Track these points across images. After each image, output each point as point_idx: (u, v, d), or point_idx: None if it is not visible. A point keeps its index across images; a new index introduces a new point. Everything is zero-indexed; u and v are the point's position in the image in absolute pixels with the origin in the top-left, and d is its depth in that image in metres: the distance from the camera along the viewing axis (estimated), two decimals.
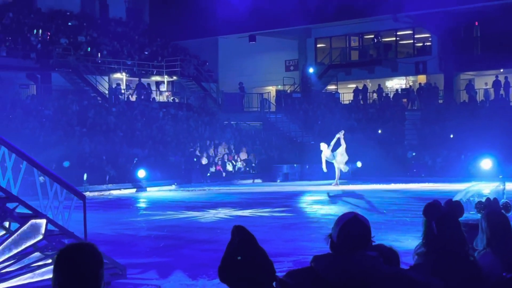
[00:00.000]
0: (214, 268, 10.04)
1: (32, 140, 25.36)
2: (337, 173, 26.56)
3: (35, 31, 35.97)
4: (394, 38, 39.96)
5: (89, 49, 36.95)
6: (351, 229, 3.25)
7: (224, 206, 19.88)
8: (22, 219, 8.51)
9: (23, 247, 8.49)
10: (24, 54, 33.86)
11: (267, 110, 40.15)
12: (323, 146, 26.34)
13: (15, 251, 8.46)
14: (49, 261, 8.52)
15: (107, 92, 35.75)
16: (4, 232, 8.56)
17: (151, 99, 36.91)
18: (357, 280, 3.12)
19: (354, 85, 40.52)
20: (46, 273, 8.49)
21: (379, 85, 39.30)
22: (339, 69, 40.74)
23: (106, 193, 25.27)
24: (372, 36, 40.34)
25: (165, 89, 40.17)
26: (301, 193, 24.27)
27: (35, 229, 8.40)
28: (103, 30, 39.75)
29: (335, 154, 26.17)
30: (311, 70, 40.65)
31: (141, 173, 27.02)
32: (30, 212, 8.70)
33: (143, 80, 38.95)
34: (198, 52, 42.29)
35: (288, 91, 40.83)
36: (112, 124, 31.06)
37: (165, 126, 32.94)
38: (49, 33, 36.59)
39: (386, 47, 39.94)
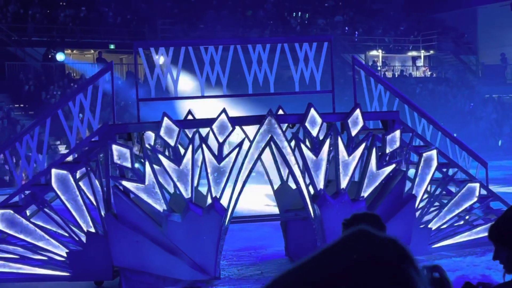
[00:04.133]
0: (480, 246, 9.89)
1: None
2: None
3: (294, 14, 37.45)
4: None
5: (346, 28, 37.61)
6: None
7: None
8: (460, 183, 9.65)
9: (462, 208, 9.70)
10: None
11: None
12: None
13: (456, 212, 9.70)
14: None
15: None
16: (426, 196, 9.64)
17: (407, 75, 36.61)
18: None
19: None
20: (480, 232, 9.65)
21: None
22: None
23: None
24: None
25: (421, 64, 39.55)
26: None
27: (470, 192, 9.40)
28: (359, 8, 40.14)
29: None
30: None
31: None
32: (466, 177, 9.87)
33: (399, 56, 38.67)
34: (456, 24, 40.88)
35: None
36: None
37: (422, 101, 32.48)
38: (307, 15, 37.85)
39: None
